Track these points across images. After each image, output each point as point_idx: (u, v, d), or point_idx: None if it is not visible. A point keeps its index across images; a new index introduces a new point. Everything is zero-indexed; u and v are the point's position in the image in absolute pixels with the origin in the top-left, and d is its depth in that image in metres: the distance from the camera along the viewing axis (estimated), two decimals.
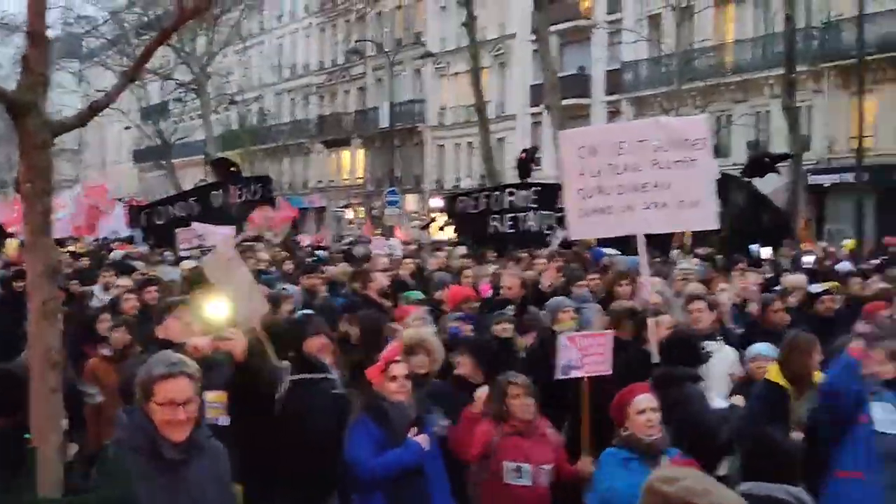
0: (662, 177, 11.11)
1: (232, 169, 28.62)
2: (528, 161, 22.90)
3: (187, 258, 20.93)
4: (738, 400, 9.67)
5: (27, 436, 5.97)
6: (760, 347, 10.35)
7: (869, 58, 40.05)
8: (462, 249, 22.19)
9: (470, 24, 45.51)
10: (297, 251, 26.11)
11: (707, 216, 11.44)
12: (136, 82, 61.35)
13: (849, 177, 41.69)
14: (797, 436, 9.03)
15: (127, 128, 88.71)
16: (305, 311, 12.38)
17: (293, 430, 8.38)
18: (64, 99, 72.61)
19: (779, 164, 24.50)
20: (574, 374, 9.40)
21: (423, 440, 8.44)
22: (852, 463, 8.43)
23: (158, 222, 27.25)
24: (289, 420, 8.43)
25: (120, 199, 41.90)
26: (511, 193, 21.19)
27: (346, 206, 79.06)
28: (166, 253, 24.33)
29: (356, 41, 76.38)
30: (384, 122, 72.54)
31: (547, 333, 11.90)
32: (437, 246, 27.32)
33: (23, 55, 6.08)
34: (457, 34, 61.91)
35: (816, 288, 13.14)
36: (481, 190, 23.61)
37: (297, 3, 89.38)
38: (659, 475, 4.42)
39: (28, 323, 6.01)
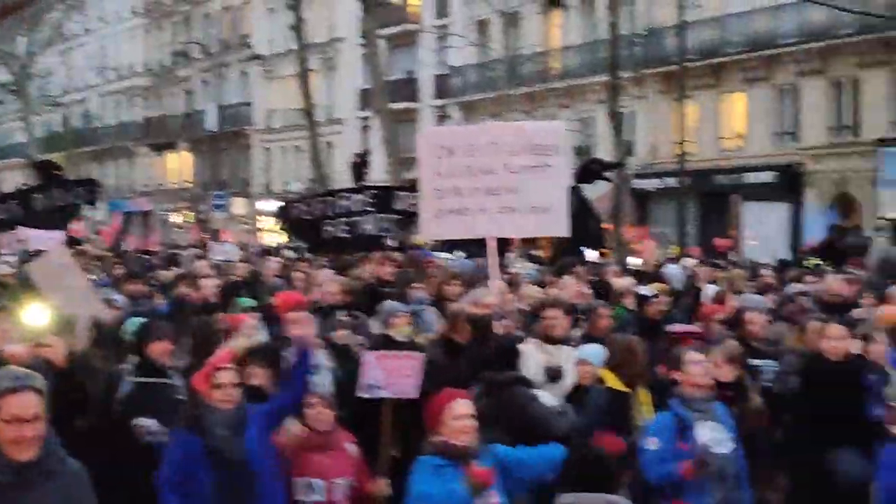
0: (515, 181, 11.07)
1: (55, 172, 27.97)
2: (361, 165, 22.85)
3: (5, 263, 20.44)
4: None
5: None
6: (588, 350, 10.32)
7: (689, 64, 41.02)
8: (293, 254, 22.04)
9: (298, 26, 45.29)
10: (126, 257, 25.72)
11: (558, 222, 11.43)
12: None
13: (671, 181, 42.65)
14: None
15: None
16: (151, 315, 12.20)
17: (132, 432, 8.26)
18: None
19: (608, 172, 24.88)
20: (378, 394, 9.18)
21: None
22: (678, 492, 8.35)
23: None
24: (127, 423, 8.31)
25: None
26: (346, 198, 21.06)
27: (172, 210, 77.99)
28: None
29: (182, 43, 75.41)
30: (211, 124, 71.84)
31: (380, 339, 11.88)
32: (268, 251, 27.17)
33: None
34: (285, 37, 61.47)
35: (647, 291, 13.35)
36: (315, 195, 23.44)
37: (122, 3, 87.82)
38: None
39: None
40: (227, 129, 69.49)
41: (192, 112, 78.60)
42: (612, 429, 9.19)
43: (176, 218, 77.02)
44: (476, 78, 56.02)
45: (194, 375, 8.43)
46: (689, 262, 22.93)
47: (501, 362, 9.53)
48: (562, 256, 20.31)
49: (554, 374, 10.34)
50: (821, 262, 23.41)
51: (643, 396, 9.33)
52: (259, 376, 9.33)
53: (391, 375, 9.14)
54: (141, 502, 8.28)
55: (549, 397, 9.70)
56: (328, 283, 14.92)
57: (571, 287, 14.86)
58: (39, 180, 27.36)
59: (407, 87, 59.70)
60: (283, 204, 23.65)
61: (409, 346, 11.66)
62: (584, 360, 10.08)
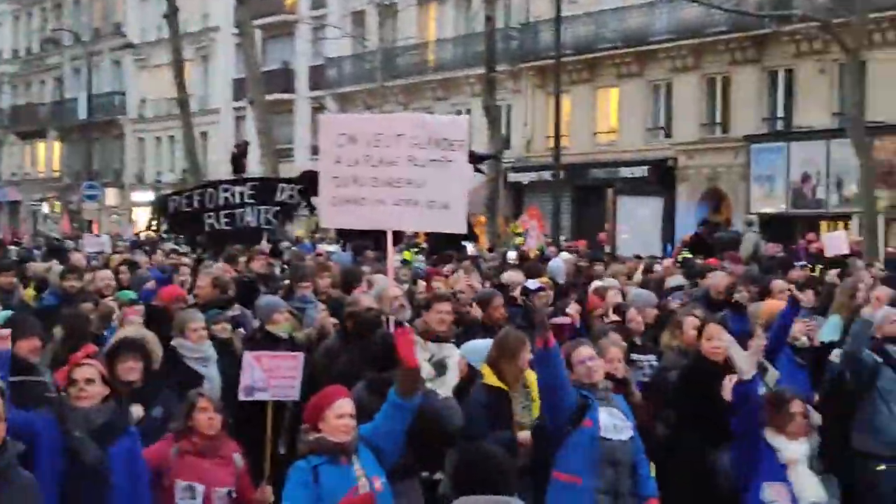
0: (416, 174, 10.80)
1: None
2: (240, 156, 22.59)
3: None
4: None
5: None
6: (469, 346, 10.32)
7: (565, 59, 41.34)
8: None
9: (172, 15, 44.69)
10: None
11: (457, 219, 11.25)
12: None
13: (546, 175, 42.97)
14: (524, 436, 9.23)
15: None
16: (16, 311, 11.95)
17: None
18: None
19: (483, 163, 25.00)
20: (259, 396, 9.00)
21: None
22: (571, 467, 8.46)
23: None
24: None
25: None
26: (226, 189, 20.81)
27: (42, 200, 76.60)
28: None
29: (52, 30, 74.10)
30: (82, 113, 70.62)
31: (259, 335, 11.75)
32: (144, 243, 26.81)
33: None
34: (158, 25, 60.76)
35: (533, 284, 13.34)
36: (195, 187, 23.11)
37: None
38: None
39: None
40: (98, 118, 68.38)
41: (62, 100, 77.22)
42: (492, 426, 9.26)
43: (45, 208, 75.72)
44: (352, 69, 55.91)
45: (58, 371, 8.17)
46: (568, 255, 23.09)
47: (388, 359, 9.34)
48: (442, 248, 20.40)
49: (441, 368, 10.29)
50: (691, 256, 23.73)
51: (533, 380, 9.31)
52: (133, 371, 9.12)
53: (272, 377, 8.96)
54: None
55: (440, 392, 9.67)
56: (202, 278, 14.64)
57: (461, 281, 14.89)
58: None
59: (282, 78, 59.34)
60: (160, 196, 23.33)
61: (289, 343, 11.59)
62: (462, 356, 10.04)
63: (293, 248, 24.19)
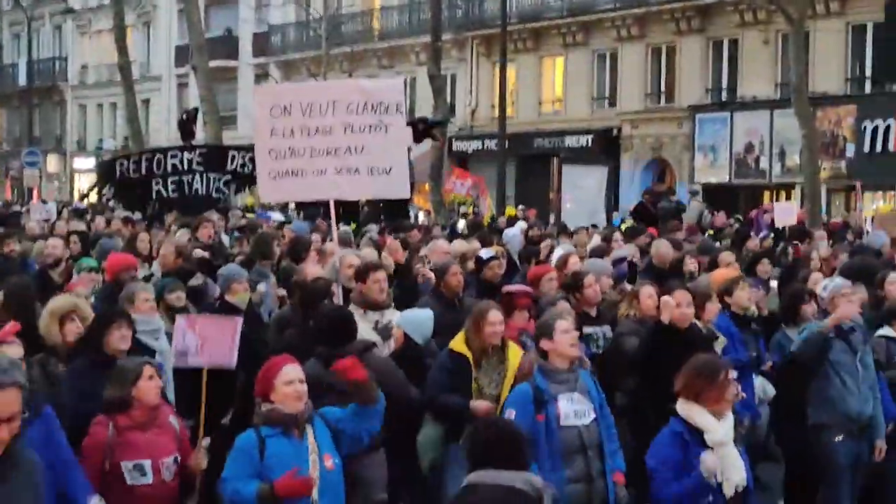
0: (355, 141, 10.73)
1: None
2: (189, 122, 22.26)
3: None
4: None
5: None
6: (406, 315, 10.23)
7: (510, 28, 41.26)
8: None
9: None
10: None
11: (399, 185, 11.15)
12: None
13: (491, 144, 42.97)
14: (479, 404, 9.19)
15: None
16: None
17: None
18: None
19: (434, 131, 24.93)
20: (192, 362, 8.67)
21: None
22: (538, 462, 7.89)
23: None
24: None
25: None
26: (175, 156, 20.50)
27: None
28: None
29: None
30: (22, 79, 69.73)
31: (216, 305, 11.48)
32: (87, 209, 26.50)
33: None
34: None
35: (486, 253, 13.31)
36: (142, 153, 22.78)
37: None
38: None
39: None
40: (39, 84, 67.60)
41: (1, 66, 76.23)
42: (453, 390, 9.25)
43: None
44: (296, 37, 55.55)
45: None
46: (524, 224, 23.11)
47: (336, 332, 9.08)
48: (384, 217, 20.28)
49: (386, 332, 10.23)
50: (634, 225, 23.82)
51: (513, 355, 9.32)
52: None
53: (206, 342, 8.64)
54: None
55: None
56: (166, 246, 14.46)
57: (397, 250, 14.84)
58: None
59: (226, 45, 58.83)
60: (105, 161, 22.99)
61: (248, 314, 11.31)
62: (399, 325, 9.98)
63: (249, 215, 23.96)
